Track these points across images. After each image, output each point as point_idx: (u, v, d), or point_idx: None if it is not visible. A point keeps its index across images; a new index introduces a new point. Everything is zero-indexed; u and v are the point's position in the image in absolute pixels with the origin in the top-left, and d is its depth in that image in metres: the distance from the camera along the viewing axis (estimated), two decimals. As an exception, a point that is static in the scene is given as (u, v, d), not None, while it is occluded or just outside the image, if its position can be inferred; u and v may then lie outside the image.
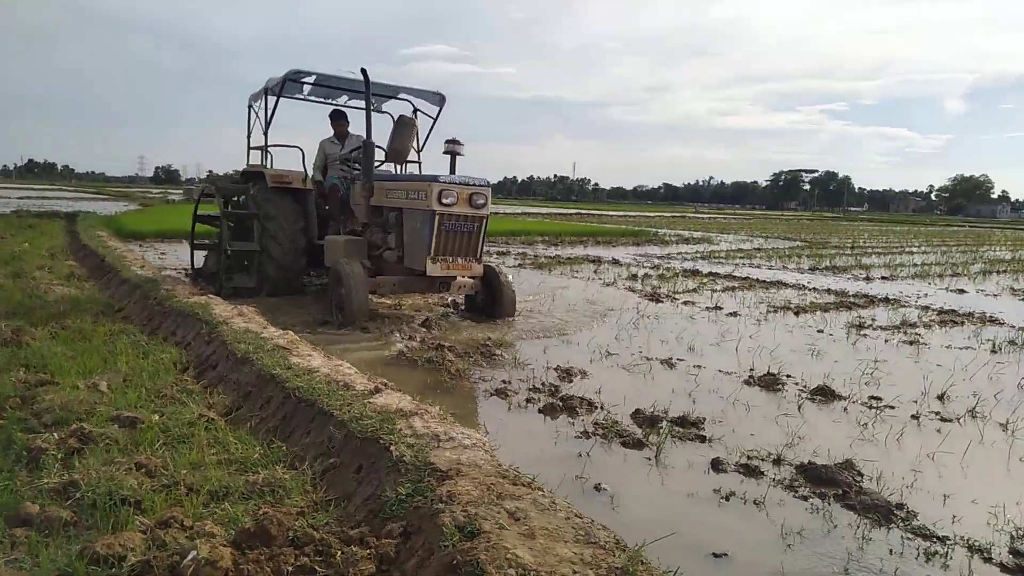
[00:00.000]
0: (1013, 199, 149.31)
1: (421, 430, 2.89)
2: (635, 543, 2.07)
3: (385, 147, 7.37)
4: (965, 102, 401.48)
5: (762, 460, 3.33)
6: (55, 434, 3.09)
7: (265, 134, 7.85)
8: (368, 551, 2.24)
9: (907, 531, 2.67)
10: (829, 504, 2.89)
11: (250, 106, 8.33)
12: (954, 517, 2.80)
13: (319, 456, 2.95)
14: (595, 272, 11.38)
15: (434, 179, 5.94)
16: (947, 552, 2.51)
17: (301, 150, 7.93)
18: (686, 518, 2.71)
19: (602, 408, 4.05)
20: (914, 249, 20.68)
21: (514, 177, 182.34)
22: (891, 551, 2.51)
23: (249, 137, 8.33)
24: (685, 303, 8.27)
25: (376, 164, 7.61)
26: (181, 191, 52.99)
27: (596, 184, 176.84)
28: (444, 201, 5.89)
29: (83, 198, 40.60)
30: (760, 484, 3.07)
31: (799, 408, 4.23)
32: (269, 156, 8.03)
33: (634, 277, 10.70)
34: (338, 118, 8.00)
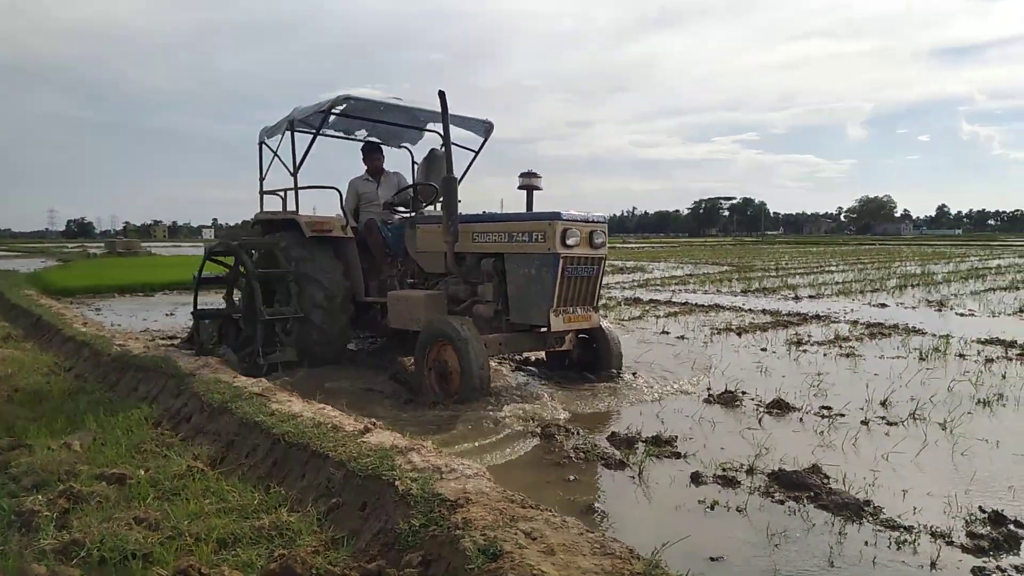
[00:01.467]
0: (914, 217, 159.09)
1: (421, 464, 2.98)
2: (649, 551, 2.23)
3: (412, 186, 6.62)
4: (865, 129, 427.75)
5: (736, 471, 3.55)
6: (42, 496, 3.04)
7: (294, 175, 6.48)
8: (392, 582, 2.32)
9: (877, 524, 2.91)
10: (804, 505, 3.12)
11: (262, 143, 6.96)
12: (915, 508, 3.07)
13: (319, 497, 3.00)
14: (541, 305, 11.61)
15: (555, 216, 4.95)
16: (915, 539, 2.76)
17: (339, 191, 6.66)
18: (678, 528, 2.88)
19: (578, 434, 4.21)
20: (833, 268, 21.85)
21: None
22: (866, 543, 2.75)
23: (262, 180, 6.97)
24: (634, 330, 8.58)
25: (395, 210, 6.81)
26: (103, 244, 50.97)
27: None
28: (568, 242, 4.93)
29: (-7, 256, 38.57)
30: (739, 493, 3.28)
31: (759, 421, 4.50)
32: (281, 201, 6.78)
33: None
34: (372, 152, 7.01)
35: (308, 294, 6.10)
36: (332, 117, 6.65)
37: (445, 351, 5.02)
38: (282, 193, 6.73)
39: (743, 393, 5.18)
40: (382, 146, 7.38)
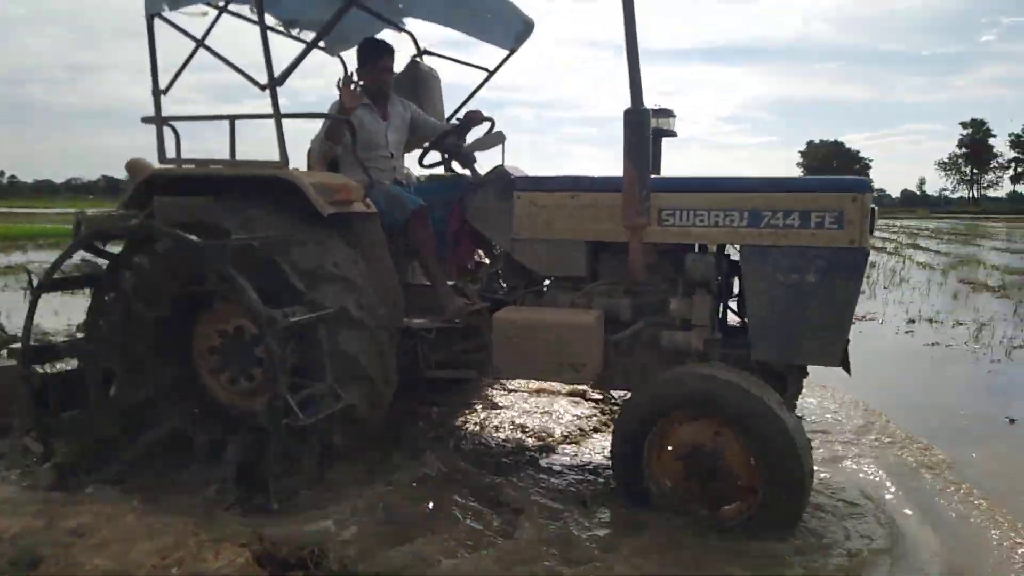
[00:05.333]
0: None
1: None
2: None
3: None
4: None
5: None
6: None
7: (271, 87, 3.08)
8: None
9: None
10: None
11: (155, 17, 3.30)
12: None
13: None
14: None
15: (862, 186, 2.90)
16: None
17: (350, 123, 3.42)
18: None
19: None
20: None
21: None
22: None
23: (160, 93, 3.32)
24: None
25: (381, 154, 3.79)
26: None
27: (14, 177, 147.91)
28: (873, 230, 2.97)
29: None
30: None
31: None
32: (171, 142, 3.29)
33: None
34: (381, 55, 3.77)
35: (335, 328, 2.97)
36: None
37: (710, 435, 2.77)
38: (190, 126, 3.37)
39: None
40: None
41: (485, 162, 3.69)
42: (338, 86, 3.29)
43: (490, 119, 3.82)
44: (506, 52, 4.22)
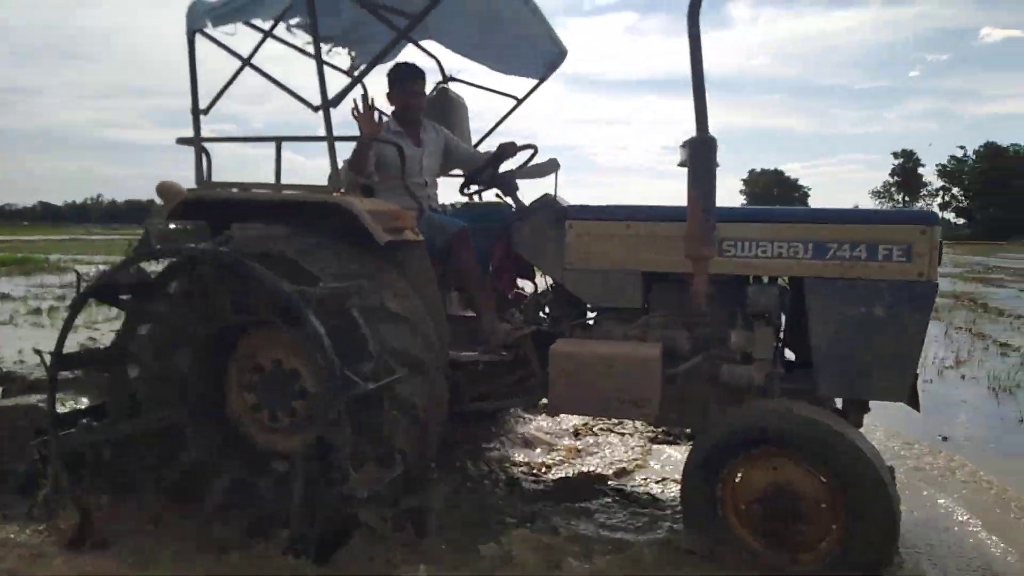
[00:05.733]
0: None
1: None
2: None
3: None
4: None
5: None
6: None
7: (324, 108, 3.07)
8: None
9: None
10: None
11: (197, 33, 3.29)
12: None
13: None
14: (-19, 310, 9.55)
15: (930, 219, 2.86)
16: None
17: (400, 148, 3.39)
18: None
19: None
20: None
21: None
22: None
23: (200, 112, 3.32)
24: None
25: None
26: None
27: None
28: (940, 262, 2.89)
29: None
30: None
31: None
32: (199, 164, 3.32)
33: (38, 311, 9.42)
34: (414, 79, 3.64)
35: (400, 366, 2.79)
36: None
37: (790, 473, 2.63)
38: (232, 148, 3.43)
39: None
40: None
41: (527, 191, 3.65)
42: (354, 114, 3.13)
43: (532, 147, 3.71)
44: (537, 79, 4.16)
